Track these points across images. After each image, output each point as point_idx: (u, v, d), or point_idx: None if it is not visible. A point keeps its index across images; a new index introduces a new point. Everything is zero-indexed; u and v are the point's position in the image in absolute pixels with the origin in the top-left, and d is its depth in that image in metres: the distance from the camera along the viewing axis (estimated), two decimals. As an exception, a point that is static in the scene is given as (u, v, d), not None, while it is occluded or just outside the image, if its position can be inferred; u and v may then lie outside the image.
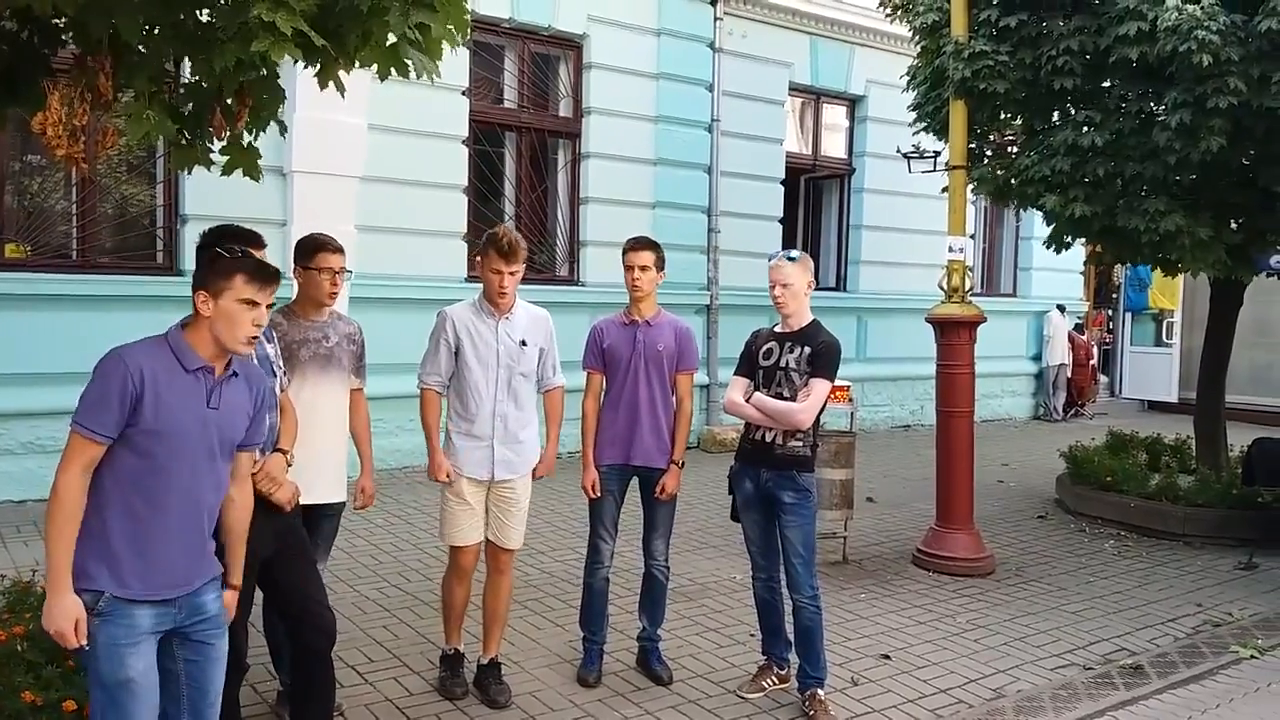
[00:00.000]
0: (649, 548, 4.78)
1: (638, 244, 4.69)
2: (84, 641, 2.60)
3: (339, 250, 4.07)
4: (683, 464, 4.73)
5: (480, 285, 4.38)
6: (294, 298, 4.15)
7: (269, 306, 2.84)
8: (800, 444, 4.41)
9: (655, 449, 4.66)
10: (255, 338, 2.80)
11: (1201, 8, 6.15)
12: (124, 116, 3.29)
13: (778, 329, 4.53)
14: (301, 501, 3.80)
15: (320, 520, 4.10)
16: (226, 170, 3.69)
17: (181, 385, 2.70)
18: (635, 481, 4.74)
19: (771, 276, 4.45)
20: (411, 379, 4.44)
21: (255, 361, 3.48)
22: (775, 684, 4.67)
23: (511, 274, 4.24)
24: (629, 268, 4.65)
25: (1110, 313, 18.03)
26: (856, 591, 6.25)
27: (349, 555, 6.37)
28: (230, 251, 2.80)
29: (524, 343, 4.34)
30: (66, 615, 2.58)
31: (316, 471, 3.95)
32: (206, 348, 2.75)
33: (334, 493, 4.11)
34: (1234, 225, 7.29)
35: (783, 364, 4.40)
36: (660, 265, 4.70)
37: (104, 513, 2.65)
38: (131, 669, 2.65)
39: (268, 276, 2.79)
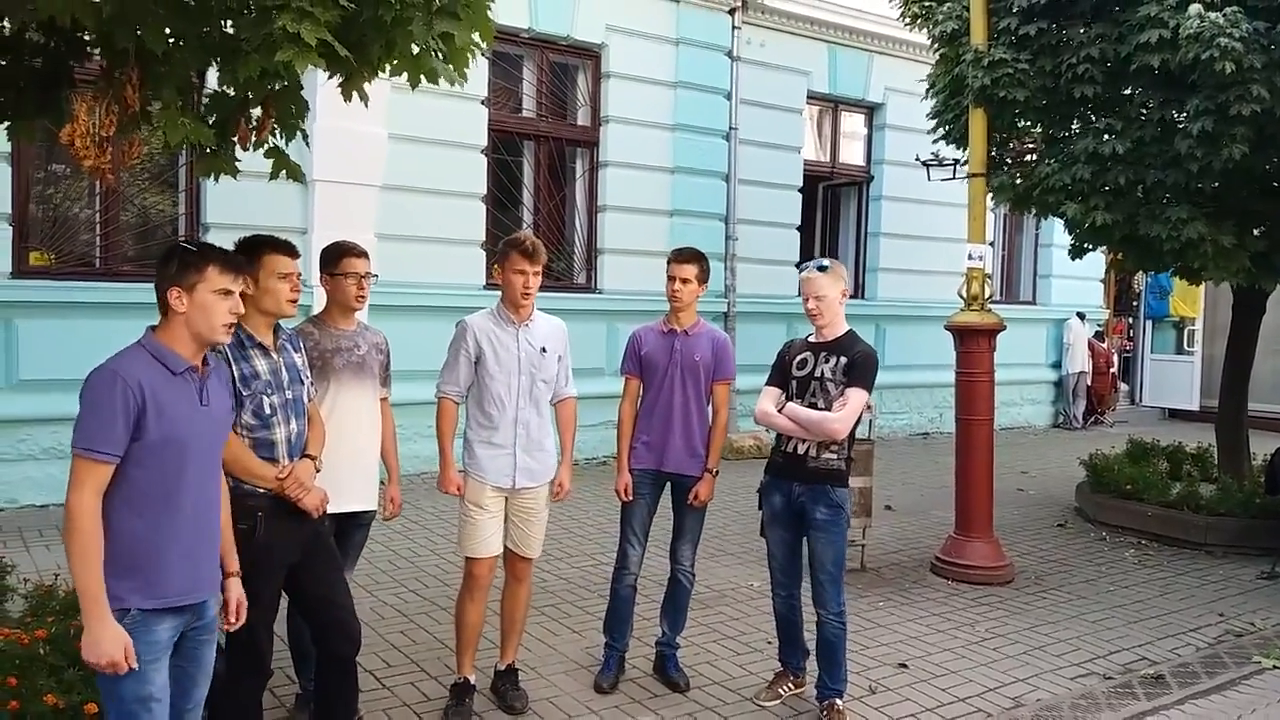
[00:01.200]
0: (676, 553, 4.80)
1: (682, 256, 4.70)
2: (135, 664, 2.58)
3: (363, 254, 4.12)
4: (716, 472, 4.75)
5: (498, 294, 4.40)
6: (322, 307, 4.18)
7: (243, 296, 2.89)
8: (835, 456, 4.33)
9: (687, 457, 4.68)
10: (233, 325, 2.83)
11: (1224, 15, 6.12)
12: (159, 125, 3.32)
13: (812, 339, 4.49)
14: (336, 510, 3.84)
15: (352, 530, 4.14)
16: (273, 175, 3.77)
17: (175, 390, 2.70)
18: (667, 488, 4.77)
19: (804, 289, 4.41)
20: (431, 386, 4.46)
21: (285, 369, 3.52)
22: (791, 691, 4.66)
23: (535, 274, 4.25)
24: (671, 278, 4.67)
25: (1131, 320, 17.91)
26: (875, 600, 6.23)
27: (368, 561, 6.38)
28: (195, 246, 2.82)
29: (544, 350, 4.35)
30: (116, 642, 2.56)
31: (351, 480, 3.99)
32: (186, 346, 2.75)
33: (367, 501, 4.14)
34: (1257, 233, 7.24)
35: (818, 374, 4.34)
36: (703, 278, 4.72)
37: (124, 527, 2.63)
38: (152, 684, 2.66)
39: (239, 264, 2.84)
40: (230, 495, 3.39)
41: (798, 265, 4.57)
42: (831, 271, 4.40)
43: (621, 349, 4.98)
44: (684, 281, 4.64)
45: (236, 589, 3.05)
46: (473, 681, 4.42)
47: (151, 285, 2.80)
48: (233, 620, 3.05)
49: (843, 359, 4.32)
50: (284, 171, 3.78)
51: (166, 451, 2.66)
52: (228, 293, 2.77)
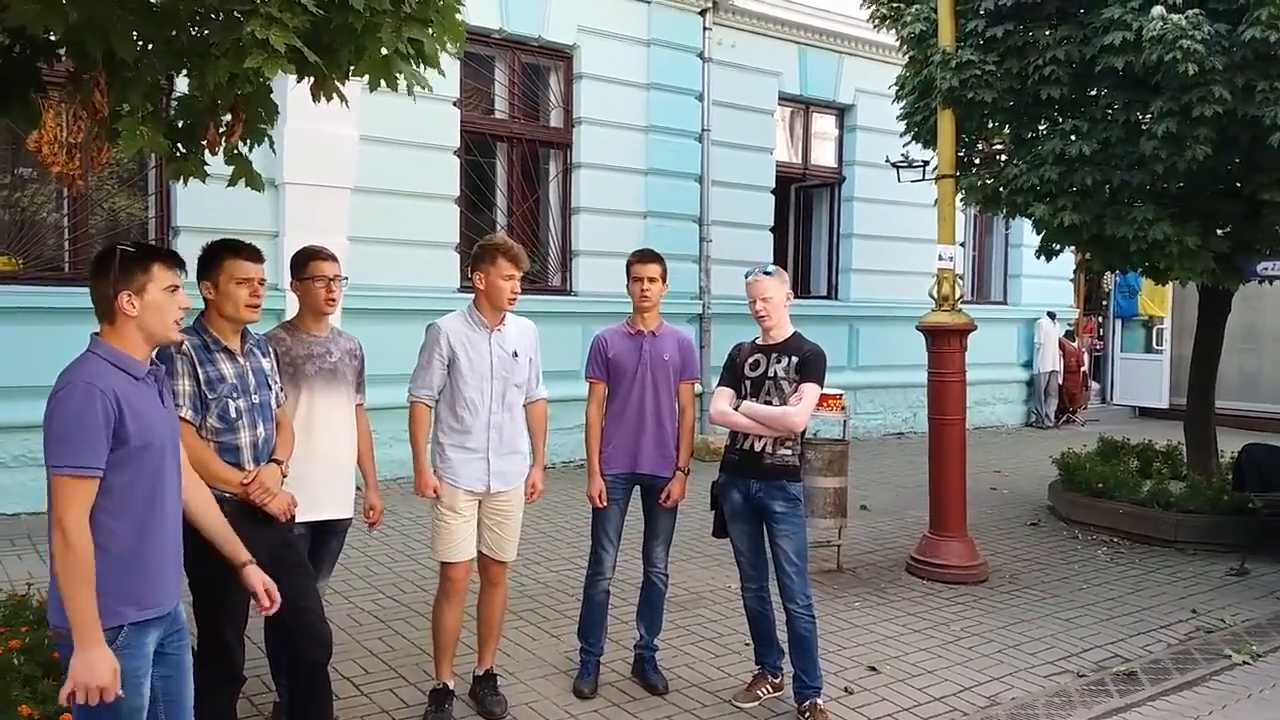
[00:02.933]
0: (649, 555, 4.80)
1: (646, 256, 4.71)
2: (120, 692, 2.52)
3: (331, 258, 4.09)
4: (688, 471, 4.77)
5: (471, 296, 4.39)
6: (296, 313, 4.14)
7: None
8: (789, 452, 4.43)
9: (660, 458, 4.70)
10: (181, 320, 2.81)
11: (1186, 17, 6.20)
12: (118, 131, 3.29)
13: (759, 341, 4.57)
14: (311, 518, 3.86)
15: (328, 537, 4.13)
16: (232, 181, 3.73)
17: (142, 395, 2.67)
18: (636, 490, 4.77)
19: (751, 292, 4.49)
20: (405, 390, 4.44)
21: (251, 374, 3.53)
22: (769, 693, 4.68)
23: (521, 279, 4.28)
24: (637, 279, 4.67)
25: (1100, 319, 18.09)
26: (851, 600, 6.26)
27: (344, 568, 6.34)
28: (133, 247, 2.75)
29: (516, 354, 4.35)
30: (109, 667, 2.50)
31: (326, 488, 3.98)
32: (140, 349, 2.72)
33: (342, 509, 4.11)
34: (1221, 233, 7.34)
35: (771, 374, 4.44)
36: (665, 277, 4.75)
37: (111, 540, 2.58)
38: (144, 695, 2.64)
39: (178, 259, 2.81)
40: None
41: (747, 274, 4.61)
42: (777, 275, 4.53)
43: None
44: (651, 281, 4.67)
45: (257, 575, 3.03)
46: (452, 687, 4.40)
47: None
48: (267, 605, 3.03)
49: (794, 358, 4.43)
50: (243, 179, 3.74)
51: (145, 456, 2.64)
52: (175, 288, 2.74)
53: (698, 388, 10.64)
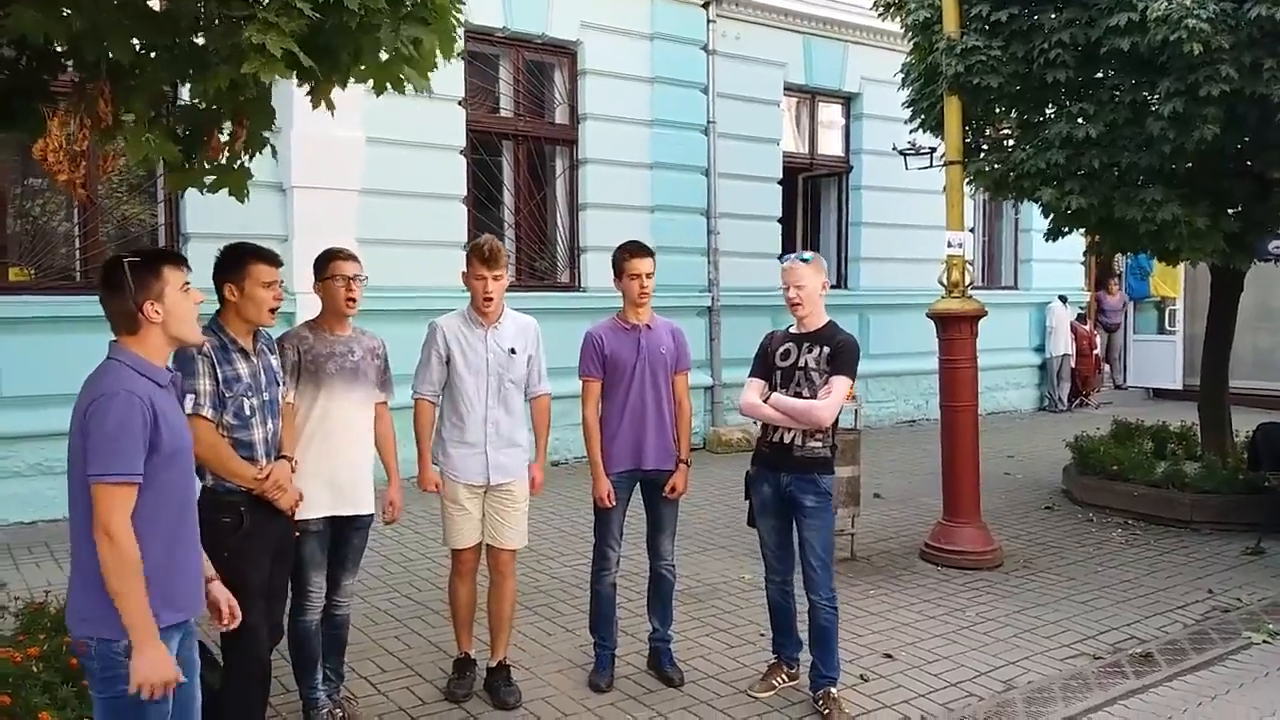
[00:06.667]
0: (656, 548, 4.81)
1: (640, 250, 4.69)
2: (183, 678, 2.63)
3: (351, 258, 4.16)
4: (689, 463, 4.77)
5: (468, 295, 4.46)
6: (320, 313, 4.19)
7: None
8: (820, 444, 4.40)
9: (663, 452, 4.70)
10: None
11: (1191, -4, 6.17)
12: (124, 139, 3.32)
13: (793, 330, 4.55)
14: (329, 514, 3.99)
15: (350, 534, 4.18)
16: (213, 189, 3.73)
17: (169, 401, 2.71)
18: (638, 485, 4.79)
19: (785, 278, 4.47)
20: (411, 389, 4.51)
21: (263, 372, 3.65)
22: (785, 682, 4.69)
23: (495, 279, 4.34)
24: (635, 275, 4.63)
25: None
26: (866, 588, 6.27)
27: (359, 567, 6.38)
28: (138, 255, 2.75)
29: (513, 350, 4.42)
30: (171, 663, 2.58)
31: (348, 484, 4.06)
32: (162, 355, 2.75)
33: (364, 505, 4.17)
34: (1231, 213, 7.30)
35: (801, 364, 4.40)
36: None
37: (149, 546, 2.59)
38: (171, 700, 2.66)
39: (182, 257, 2.83)
40: (211, 493, 3.45)
41: (780, 257, 4.61)
42: (813, 263, 4.48)
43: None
44: (649, 276, 4.66)
45: (221, 591, 3.03)
46: (473, 655, 4.55)
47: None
48: (226, 621, 3.03)
49: (825, 348, 4.38)
50: (225, 189, 3.71)
51: (176, 461, 2.68)
52: (186, 286, 2.77)
53: (708, 378, 10.77)
